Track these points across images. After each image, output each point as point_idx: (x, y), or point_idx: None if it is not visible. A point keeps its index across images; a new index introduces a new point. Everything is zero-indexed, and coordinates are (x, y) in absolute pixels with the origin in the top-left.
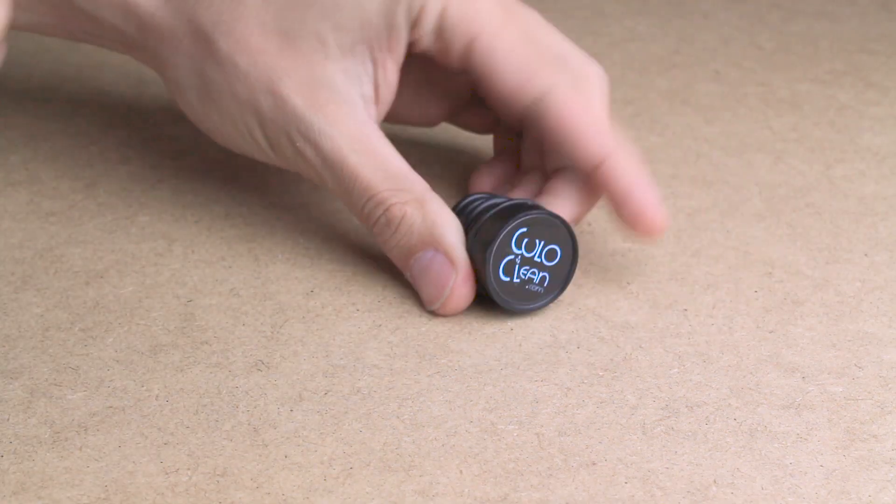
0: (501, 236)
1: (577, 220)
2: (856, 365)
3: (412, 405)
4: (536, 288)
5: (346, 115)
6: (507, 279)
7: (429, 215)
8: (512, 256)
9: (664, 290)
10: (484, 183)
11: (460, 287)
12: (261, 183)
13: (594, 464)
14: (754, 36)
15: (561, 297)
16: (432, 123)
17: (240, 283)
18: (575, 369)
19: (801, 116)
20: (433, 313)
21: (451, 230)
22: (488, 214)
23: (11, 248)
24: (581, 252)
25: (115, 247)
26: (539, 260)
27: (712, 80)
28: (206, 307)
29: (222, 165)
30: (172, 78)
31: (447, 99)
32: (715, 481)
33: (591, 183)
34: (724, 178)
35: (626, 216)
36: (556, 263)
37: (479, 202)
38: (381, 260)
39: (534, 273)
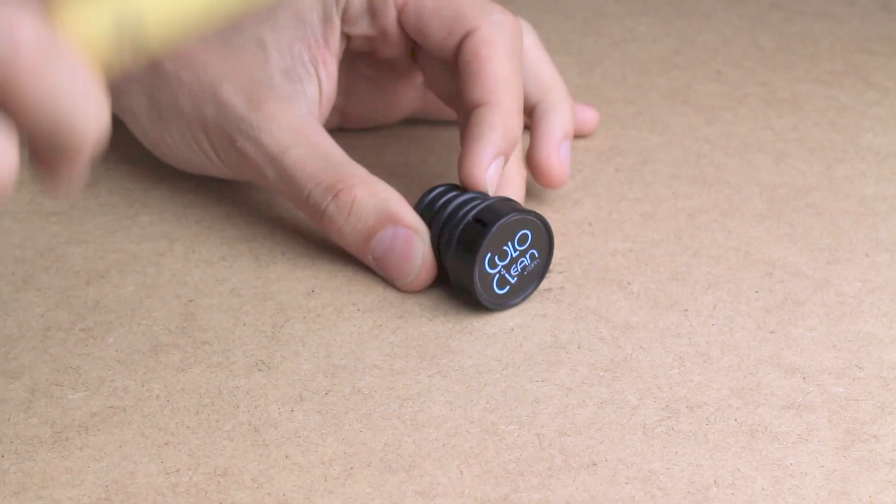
0: (482, 246)
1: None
2: (856, 365)
3: (413, 405)
4: (513, 280)
5: (285, 110)
6: (498, 289)
7: (379, 193)
8: (494, 270)
9: (665, 291)
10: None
11: (429, 255)
12: None
13: (595, 464)
14: (755, 36)
15: (561, 298)
16: (403, 112)
17: (241, 283)
18: (575, 370)
19: (802, 117)
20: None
21: (404, 204)
22: (465, 220)
23: (12, 248)
24: (581, 252)
25: (116, 246)
26: (518, 259)
27: (713, 81)
28: (207, 307)
29: None
30: (127, 108)
31: (409, 86)
32: (715, 482)
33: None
34: (724, 179)
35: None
36: (534, 260)
37: (445, 197)
38: None
39: (514, 271)
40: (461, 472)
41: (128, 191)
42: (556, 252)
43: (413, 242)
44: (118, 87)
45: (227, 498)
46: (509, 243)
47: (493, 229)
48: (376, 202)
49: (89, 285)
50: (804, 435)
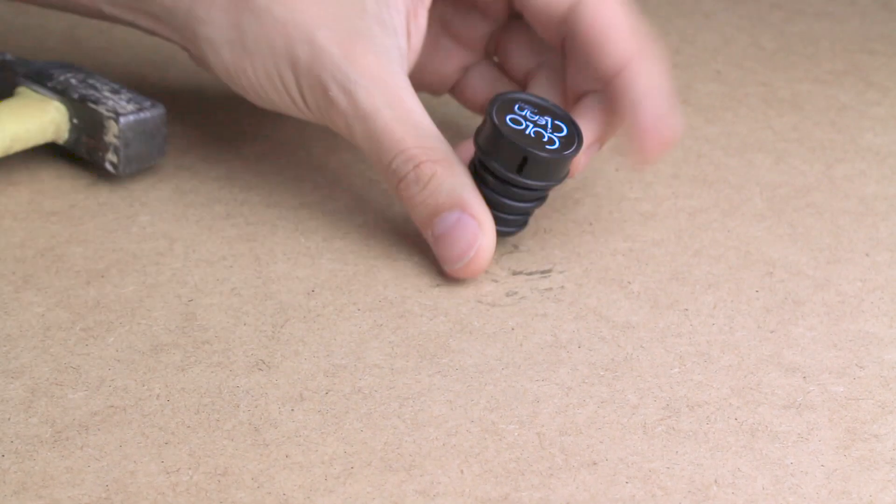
0: (503, 98)
1: (601, 140)
2: (857, 365)
3: (413, 405)
4: (554, 143)
5: (382, 67)
6: (517, 127)
7: (458, 176)
8: (515, 115)
9: (665, 290)
10: None
11: (486, 249)
12: (262, 182)
13: (595, 463)
14: (755, 36)
15: (561, 297)
16: (445, 84)
17: (241, 283)
18: (576, 369)
19: (802, 116)
20: (450, 277)
21: (477, 194)
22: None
23: (13, 248)
24: (582, 252)
25: (116, 246)
26: (547, 125)
27: (713, 80)
28: (207, 307)
29: (223, 164)
30: (205, 36)
31: (463, 52)
32: (716, 481)
33: (612, 97)
34: (725, 178)
35: (634, 126)
36: (564, 135)
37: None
38: (381, 259)
39: (549, 128)
40: (462, 472)
41: (127, 190)
42: (556, 252)
43: (473, 231)
44: (197, 15)
45: (228, 497)
46: (516, 108)
47: (493, 109)
48: (453, 183)
49: (89, 285)
50: (804, 434)
